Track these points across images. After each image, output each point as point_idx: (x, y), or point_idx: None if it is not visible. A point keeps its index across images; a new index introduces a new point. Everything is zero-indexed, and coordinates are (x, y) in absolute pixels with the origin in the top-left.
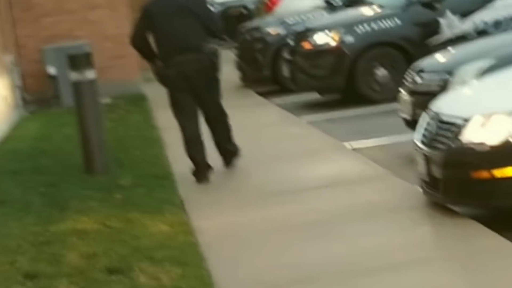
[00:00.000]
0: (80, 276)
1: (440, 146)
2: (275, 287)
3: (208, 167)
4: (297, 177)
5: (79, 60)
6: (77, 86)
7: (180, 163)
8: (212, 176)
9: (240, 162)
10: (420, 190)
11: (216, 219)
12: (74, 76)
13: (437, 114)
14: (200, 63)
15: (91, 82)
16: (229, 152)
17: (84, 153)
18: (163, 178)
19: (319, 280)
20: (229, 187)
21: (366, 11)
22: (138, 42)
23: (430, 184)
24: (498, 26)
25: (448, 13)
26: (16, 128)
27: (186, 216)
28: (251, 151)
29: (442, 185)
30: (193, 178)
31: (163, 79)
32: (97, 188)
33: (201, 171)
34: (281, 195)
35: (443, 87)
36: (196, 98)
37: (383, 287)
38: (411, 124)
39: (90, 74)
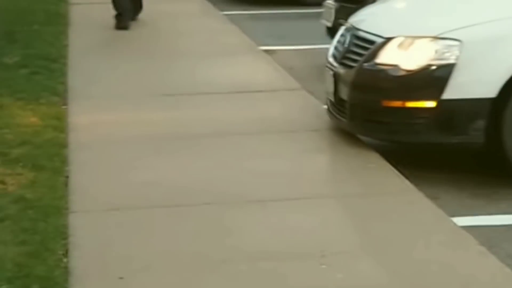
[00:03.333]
0: None
1: (351, 64)
2: (133, 209)
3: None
4: (200, 78)
5: None
6: None
7: (80, 43)
8: (106, 66)
9: (145, 54)
10: (326, 111)
11: (97, 116)
12: None
13: (354, 28)
14: None
15: None
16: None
17: None
18: (54, 60)
19: (187, 206)
20: (124, 80)
21: None
22: None
23: (336, 106)
24: None
25: None
26: None
27: (64, 109)
28: (157, 44)
29: (348, 109)
30: (88, 65)
31: None
32: None
33: (124, 16)
34: (176, 97)
35: None
36: None
37: (258, 220)
38: (332, 32)
39: None
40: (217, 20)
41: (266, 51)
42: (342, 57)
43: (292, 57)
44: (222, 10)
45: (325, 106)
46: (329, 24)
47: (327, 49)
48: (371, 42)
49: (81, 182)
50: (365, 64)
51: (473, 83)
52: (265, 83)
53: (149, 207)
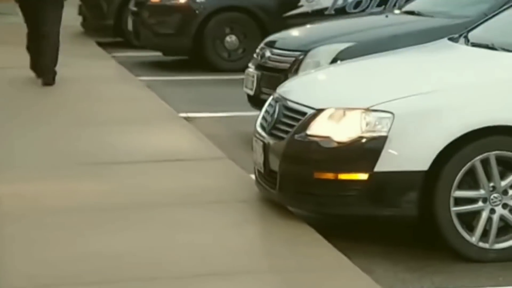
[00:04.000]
0: None
1: (282, 135)
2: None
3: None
4: (120, 146)
5: None
6: None
7: None
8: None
9: (60, 122)
10: (255, 181)
11: (18, 188)
12: None
13: (283, 98)
14: None
15: None
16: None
17: None
18: None
19: (115, 282)
20: (42, 148)
21: None
22: None
23: (266, 177)
24: (357, 5)
25: None
26: None
27: None
28: (74, 111)
29: (278, 180)
30: (2, 133)
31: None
32: None
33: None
34: (98, 166)
35: (294, 66)
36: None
37: None
38: (254, 101)
39: None
40: (134, 86)
41: (186, 118)
42: (272, 128)
43: (213, 125)
44: (138, 76)
45: (253, 176)
46: (251, 92)
47: (249, 116)
48: (302, 113)
49: (5, 259)
50: (296, 136)
51: (405, 156)
52: (188, 152)
53: (77, 284)
